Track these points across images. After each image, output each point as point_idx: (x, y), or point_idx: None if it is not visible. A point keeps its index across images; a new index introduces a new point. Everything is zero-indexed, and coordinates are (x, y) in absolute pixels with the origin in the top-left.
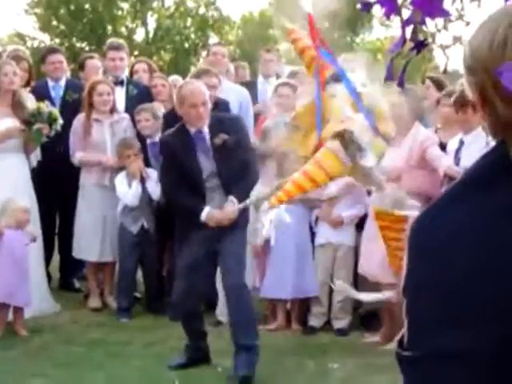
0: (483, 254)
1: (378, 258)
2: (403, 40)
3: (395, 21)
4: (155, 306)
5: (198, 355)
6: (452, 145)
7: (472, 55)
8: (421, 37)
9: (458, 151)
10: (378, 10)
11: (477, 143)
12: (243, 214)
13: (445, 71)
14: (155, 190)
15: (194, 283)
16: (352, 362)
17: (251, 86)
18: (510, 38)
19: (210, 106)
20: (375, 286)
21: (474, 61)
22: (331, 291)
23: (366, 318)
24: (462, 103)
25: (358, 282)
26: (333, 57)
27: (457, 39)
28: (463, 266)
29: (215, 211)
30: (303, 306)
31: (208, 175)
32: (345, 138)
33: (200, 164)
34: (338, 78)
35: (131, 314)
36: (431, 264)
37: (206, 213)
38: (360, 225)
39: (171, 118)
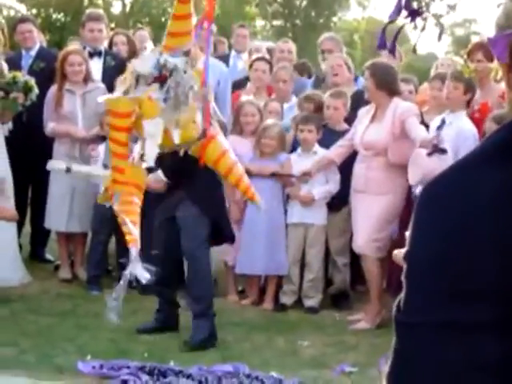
0: (498, 229)
1: (363, 232)
2: (399, 8)
3: (373, 0)
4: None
5: (167, 322)
6: (435, 123)
7: (506, 14)
8: (415, 5)
9: (438, 129)
10: None
11: (457, 123)
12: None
13: (439, 38)
14: None
15: (167, 251)
16: (321, 340)
17: (224, 60)
18: None
19: None
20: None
21: (506, 20)
22: (303, 269)
23: (337, 297)
24: (456, 79)
25: (329, 260)
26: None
27: (451, 8)
28: (487, 237)
29: None
30: (277, 283)
31: None
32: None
33: None
34: None
35: (102, 286)
36: (443, 228)
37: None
38: (332, 204)
39: None
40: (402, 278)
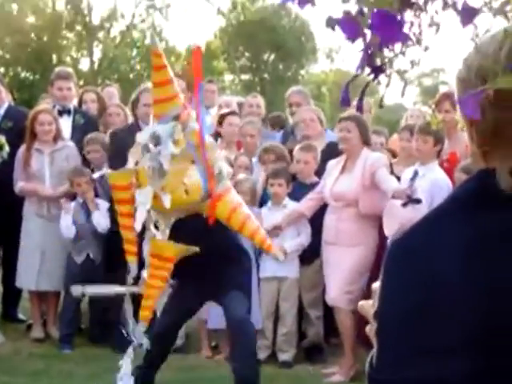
0: (477, 277)
1: (335, 284)
2: (363, 63)
3: (341, 52)
4: (99, 336)
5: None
6: (406, 174)
7: (467, 67)
8: (378, 62)
9: (411, 180)
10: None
11: (430, 175)
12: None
13: (403, 94)
14: (102, 221)
15: (179, 323)
16: None
17: None
18: (505, 46)
19: None
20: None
21: (467, 72)
22: (276, 324)
23: (311, 350)
24: (425, 132)
25: (303, 313)
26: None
27: (414, 64)
28: (452, 289)
29: None
30: None
31: None
32: None
33: None
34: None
35: (74, 344)
36: (415, 284)
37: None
38: (303, 257)
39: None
40: (373, 334)
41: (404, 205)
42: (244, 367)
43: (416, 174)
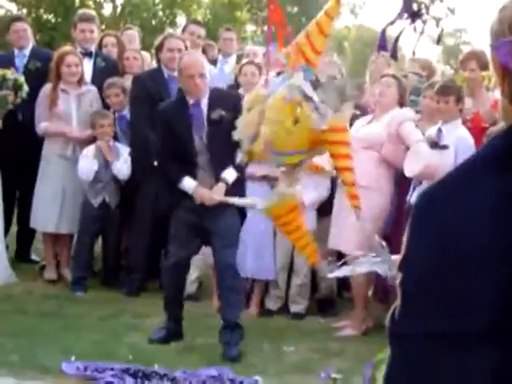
0: (504, 237)
1: (348, 231)
2: (404, 10)
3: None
4: (111, 280)
5: (175, 331)
6: (430, 132)
7: (499, 19)
8: (415, 7)
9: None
10: None
11: (454, 133)
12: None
13: (438, 41)
14: (123, 168)
15: (182, 257)
16: (306, 346)
17: (212, 64)
18: None
19: (208, 78)
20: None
21: (500, 24)
22: (290, 275)
23: (323, 303)
24: (445, 93)
25: (317, 267)
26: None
27: (451, 11)
28: (480, 247)
29: (203, 189)
30: (264, 288)
31: (199, 150)
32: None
33: (194, 138)
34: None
35: (86, 287)
36: (444, 238)
37: (195, 187)
38: (320, 209)
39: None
40: (397, 286)
41: (431, 147)
42: (229, 310)
43: (440, 131)
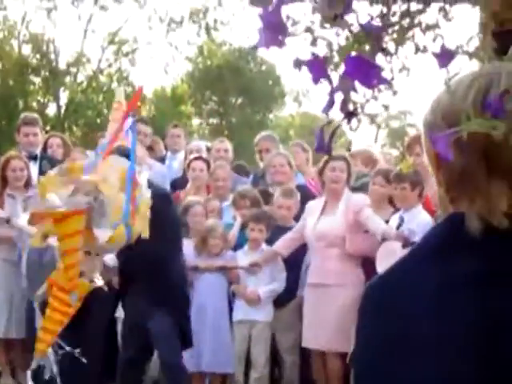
0: (445, 319)
1: (327, 326)
2: (329, 107)
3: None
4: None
5: None
6: (392, 222)
7: (433, 110)
8: (350, 106)
9: (398, 228)
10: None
11: (415, 221)
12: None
13: (376, 139)
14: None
15: (131, 356)
16: None
17: (160, 161)
18: (472, 90)
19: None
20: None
21: (434, 115)
22: (248, 367)
23: None
24: (400, 180)
25: (278, 359)
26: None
27: (385, 108)
28: (424, 331)
29: None
30: (223, 382)
31: None
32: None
33: None
34: (125, 152)
35: None
36: (386, 329)
37: None
38: (277, 300)
39: None
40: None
41: (403, 247)
42: None
43: (402, 220)
